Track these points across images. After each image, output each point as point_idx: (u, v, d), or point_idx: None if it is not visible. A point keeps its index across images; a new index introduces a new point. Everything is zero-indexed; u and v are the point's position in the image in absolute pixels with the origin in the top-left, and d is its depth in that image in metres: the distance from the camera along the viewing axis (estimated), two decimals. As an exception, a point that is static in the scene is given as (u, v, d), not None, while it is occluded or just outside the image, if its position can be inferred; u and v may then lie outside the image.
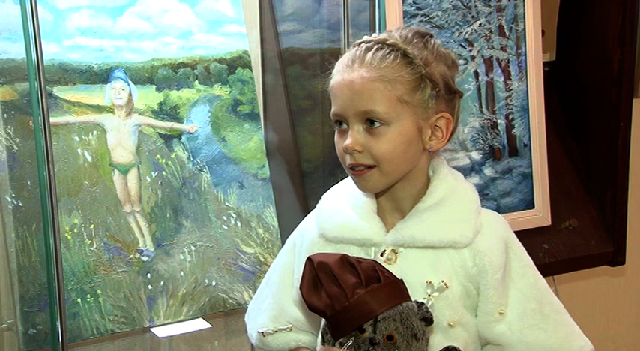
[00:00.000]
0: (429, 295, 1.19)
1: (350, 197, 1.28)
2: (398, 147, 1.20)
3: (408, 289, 1.17)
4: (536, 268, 1.28)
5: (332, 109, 1.22)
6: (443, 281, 1.20)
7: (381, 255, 1.22)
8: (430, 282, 1.20)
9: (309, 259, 1.16)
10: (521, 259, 1.27)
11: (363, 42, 1.23)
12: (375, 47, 1.20)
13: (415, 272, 1.21)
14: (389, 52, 1.20)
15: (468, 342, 1.22)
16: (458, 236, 1.22)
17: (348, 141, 1.20)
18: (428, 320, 1.14)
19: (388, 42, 1.21)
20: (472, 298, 1.23)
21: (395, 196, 1.26)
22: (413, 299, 1.16)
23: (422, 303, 1.15)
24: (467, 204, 1.26)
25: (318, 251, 1.23)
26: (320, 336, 1.17)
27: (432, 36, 1.26)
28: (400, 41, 1.21)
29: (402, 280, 1.17)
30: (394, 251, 1.23)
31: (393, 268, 1.19)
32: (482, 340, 1.25)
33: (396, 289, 1.15)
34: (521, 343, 1.22)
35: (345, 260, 1.15)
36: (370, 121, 1.19)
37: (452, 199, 1.25)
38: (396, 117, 1.19)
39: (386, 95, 1.18)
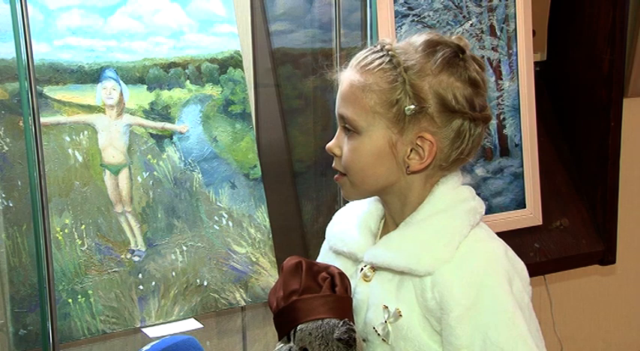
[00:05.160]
0: (386, 322, 1.12)
1: (363, 202, 1.24)
2: (364, 159, 1.13)
3: (365, 310, 1.14)
4: (516, 316, 1.09)
5: None
6: (398, 309, 1.11)
7: (361, 271, 1.18)
8: (386, 307, 1.12)
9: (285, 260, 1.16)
10: (499, 303, 1.08)
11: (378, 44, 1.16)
12: (373, 50, 1.14)
13: (380, 295, 1.14)
14: (379, 57, 1.12)
15: None
16: (414, 263, 1.10)
17: (330, 142, 1.17)
18: (343, 341, 1.06)
19: (386, 46, 1.13)
20: (439, 334, 1.10)
21: (388, 209, 1.21)
22: (371, 321, 1.12)
23: (346, 323, 1.08)
24: (444, 231, 1.12)
25: (325, 257, 1.24)
26: None
27: (449, 46, 1.13)
28: (399, 47, 1.12)
29: (347, 297, 1.12)
30: (373, 269, 1.16)
31: (365, 287, 1.16)
32: None
33: (329, 304, 1.09)
34: None
35: (299, 266, 1.12)
36: (346, 128, 1.14)
37: (431, 223, 1.14)
38: (365, 127, 1.12)
39: (358, 103, 1.11)
